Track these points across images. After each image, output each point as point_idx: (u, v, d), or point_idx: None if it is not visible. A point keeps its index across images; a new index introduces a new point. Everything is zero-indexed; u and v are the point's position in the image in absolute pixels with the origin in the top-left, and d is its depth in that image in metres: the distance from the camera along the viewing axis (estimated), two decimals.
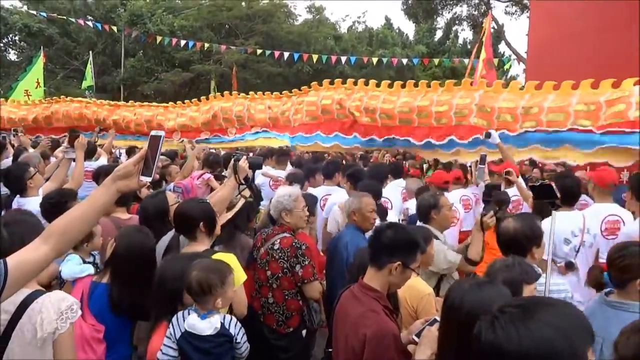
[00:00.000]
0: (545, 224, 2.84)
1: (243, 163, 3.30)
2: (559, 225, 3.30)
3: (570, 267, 3.60)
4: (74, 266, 2.71)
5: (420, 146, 5.40)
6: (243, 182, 3.39)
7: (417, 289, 2.59)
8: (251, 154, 4.54)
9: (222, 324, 2.14)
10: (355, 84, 5.95)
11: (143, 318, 2.58)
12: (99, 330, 2.42)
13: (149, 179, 1.58)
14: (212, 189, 5.38)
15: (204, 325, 2.11)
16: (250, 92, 7.23)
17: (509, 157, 4.77)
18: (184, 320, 2.14)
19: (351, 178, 4.76)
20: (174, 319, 2.16)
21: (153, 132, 1.60)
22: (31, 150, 6.41)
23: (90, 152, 6.31)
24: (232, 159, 3.35)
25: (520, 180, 4.68)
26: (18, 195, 4.05)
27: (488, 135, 4.79)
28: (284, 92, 6.94)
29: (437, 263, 3.16)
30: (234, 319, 2.22)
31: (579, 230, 3.66)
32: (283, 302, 3.10)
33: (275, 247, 3.12)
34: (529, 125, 4.73)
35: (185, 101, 7.74)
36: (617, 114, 4.21)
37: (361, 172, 5.03)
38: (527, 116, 4.75)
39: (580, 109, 4.47)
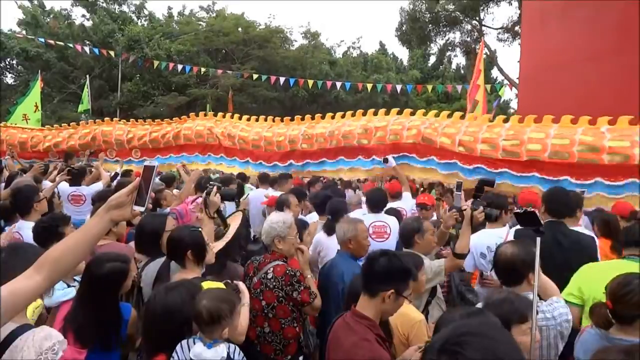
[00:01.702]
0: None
1: (214, 197, 3.27)
2: (478, 240, 3.84)
3: (483, 278, 3.91)
4: (56, 291, 2.69)
5: (268, 167, 7.16)
6: (215, 216, 3.38)
7: (408, 316, 2.58)
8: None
9: (228, 354, 2.12)
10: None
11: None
12: (80, 352, 2.38)
13: (142, 209, 1.60)
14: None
15: (211, 354, 2.08)
16: (131, 120, 8.60)
17: (402, 178, 5.87)
18: (189, 350, 2.11)
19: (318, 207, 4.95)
20: (178, 348, 2.13)
21: (147, 163, 1.63)
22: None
23: (80, 176, 6.32)
24: (204, 192, 3.33)
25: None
26: (19, 218, 4.11)
27: (386, 160, 5.95)
28: (165, 119, 8.65)
29: (425, 275, 3.12)
30: (238, 348, 2.20)
31: (494, 245, 3.74)
32: (280, 330, 3.06)
33: (269, 276, 3.07)
34: (335, 144, 6.61)
35: (63, 124, 8.73)
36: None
37: (326, 197, 5.03)
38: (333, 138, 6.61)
39: (394, 138, 6.20)
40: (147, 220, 3.30)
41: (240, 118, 7.77)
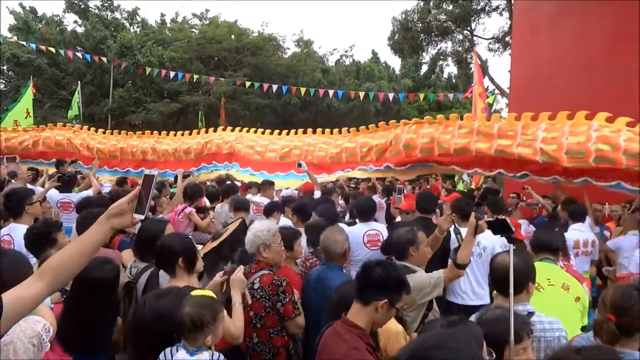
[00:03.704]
0: None
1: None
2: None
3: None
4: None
5: (122, 172, 8.38)
6: None
7: (386, 327, 2.47)
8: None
9: None
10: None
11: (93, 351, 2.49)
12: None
13: (142, 217, 1.65)
14: (195, 224, 5.35)
15: None
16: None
17: (313, 179, 6.74)
18: (172, 357, 2.08)
19: (298, 212, 5.03)
20: (161, 356, 2.10)
21: (147, 172, 1.68)
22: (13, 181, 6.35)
23: (69, 183, 6.30)
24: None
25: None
26: (12, 220, 4.12)
27: (300, 164, 6.76)
28: (23, 127, 9.73)
29: (423, 288, 3.06)
30: (222, 355, 2.18)
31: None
32: (268, 340, 3.03)
33: (256, 286, 3.03)
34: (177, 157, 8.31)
35: None
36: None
37: (307, 206, 5.19)
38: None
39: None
40: (148, 226, 3.28)
41: (96, 131, 9.26)
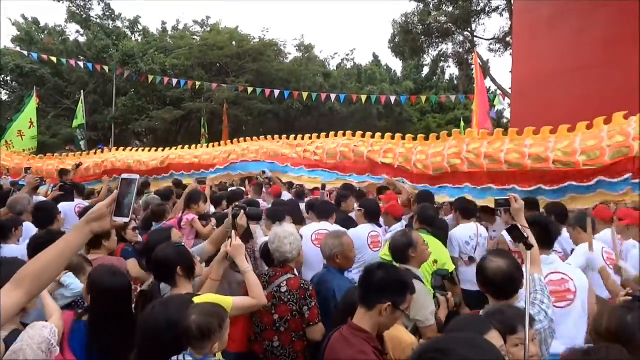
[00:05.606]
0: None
1: (241, 220, 3.17)
2: (462, 232, 5.02)
3: (472, 260, 4.78)
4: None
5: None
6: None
7: (399, 340, 2.45)
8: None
9: None
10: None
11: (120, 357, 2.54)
12: None
13: (126, 219, 1.65)
14: (197, 231, 5.36)
15: None
16: None
17: (277, 181, 7.59)
18: None
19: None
20: None
21: (125, 176, 1.69)
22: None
23: (73, 192, 6.39)
24: (231, 215, 3.23)
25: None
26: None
27: (264, 172, 7.70)
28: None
29: (420, 309, 2.89)
30: None
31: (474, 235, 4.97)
32: (290, 344, 3.04)
33: (283, 289, 3.05)
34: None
35: None
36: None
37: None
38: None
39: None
40: (152, 236, 3.31)
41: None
